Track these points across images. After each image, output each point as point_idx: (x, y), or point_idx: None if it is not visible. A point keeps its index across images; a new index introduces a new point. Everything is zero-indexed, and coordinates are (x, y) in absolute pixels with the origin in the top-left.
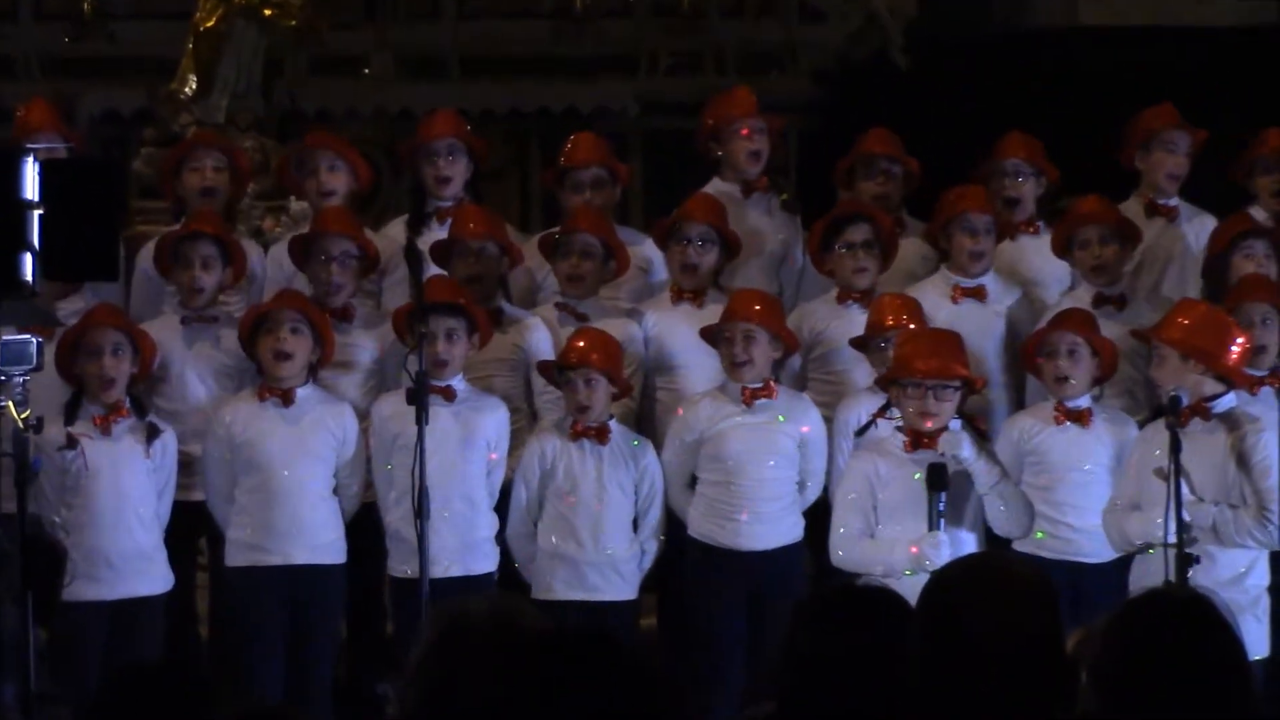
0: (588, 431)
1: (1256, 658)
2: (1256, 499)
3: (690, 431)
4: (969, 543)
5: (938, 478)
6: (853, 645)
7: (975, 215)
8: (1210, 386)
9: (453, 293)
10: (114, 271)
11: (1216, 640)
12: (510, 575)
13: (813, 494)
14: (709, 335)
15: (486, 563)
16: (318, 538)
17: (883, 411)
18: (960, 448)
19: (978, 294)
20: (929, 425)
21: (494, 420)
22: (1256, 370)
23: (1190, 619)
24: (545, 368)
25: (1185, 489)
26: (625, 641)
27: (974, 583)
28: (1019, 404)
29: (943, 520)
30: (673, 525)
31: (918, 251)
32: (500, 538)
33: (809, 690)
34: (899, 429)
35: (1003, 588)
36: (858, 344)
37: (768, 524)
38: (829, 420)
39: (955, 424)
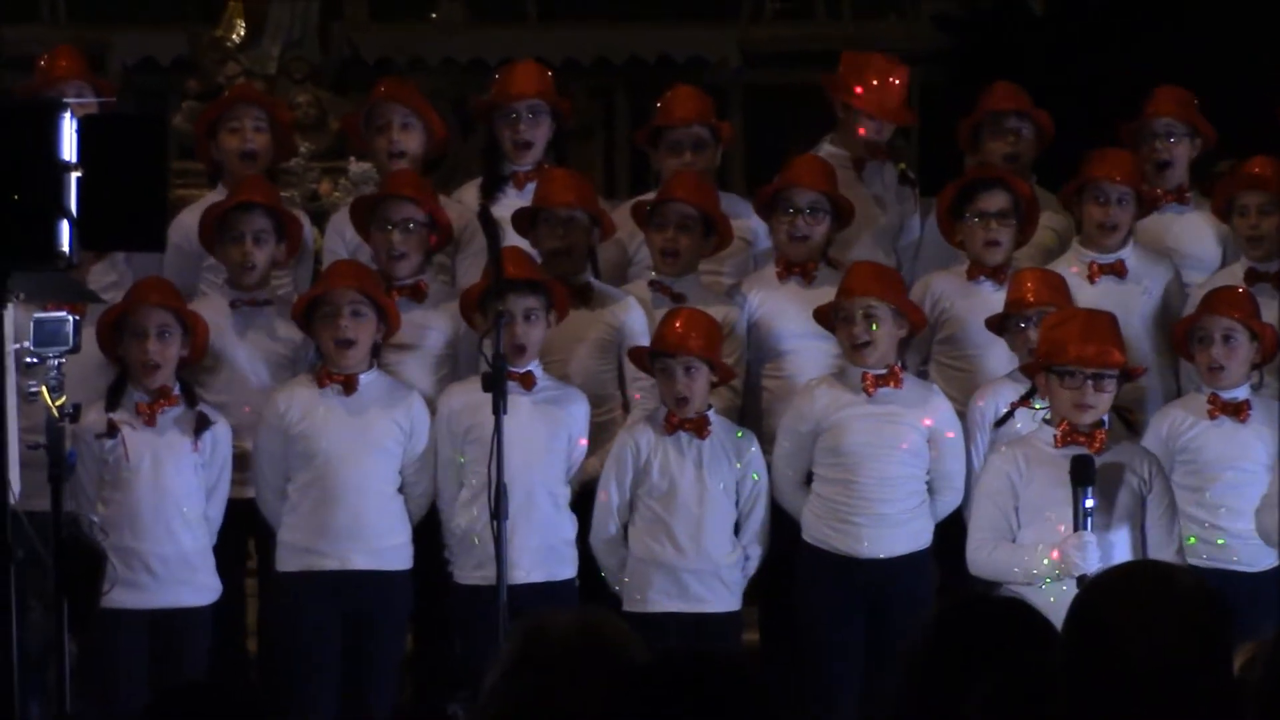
0: (685, 424)
1: None
2: None
3: (805, 422)
4: (1122, 547)
5: (1083, 471)
6: (988, 666)
7: (1107, 182)
8: None
9: (531, 268)
10: (161, 240)
11: None
12: (590, 585)
13: (950, 502)
14: (823, 316)
15: (568, 568)
16: (381, 541)
17: (1026, 400)
18: (1085, 559)
19: (1117, 270)
20: (1086, 418)
21: (578, 411)
22: None
23: None
24: (638, 354)
25: None
26: (731, 661)
27: (1130, 595)
28: (1174, 393)
29: (1090, 520)
30: (780, 528)
31: (1049, 224)
32: (581, 543)
33: (936, 717)
34: (1046, 421)
35: (1164, 602)
36: (994, 325)
37: (891, 528)
38: (961, 415)
39: (1106, 419)
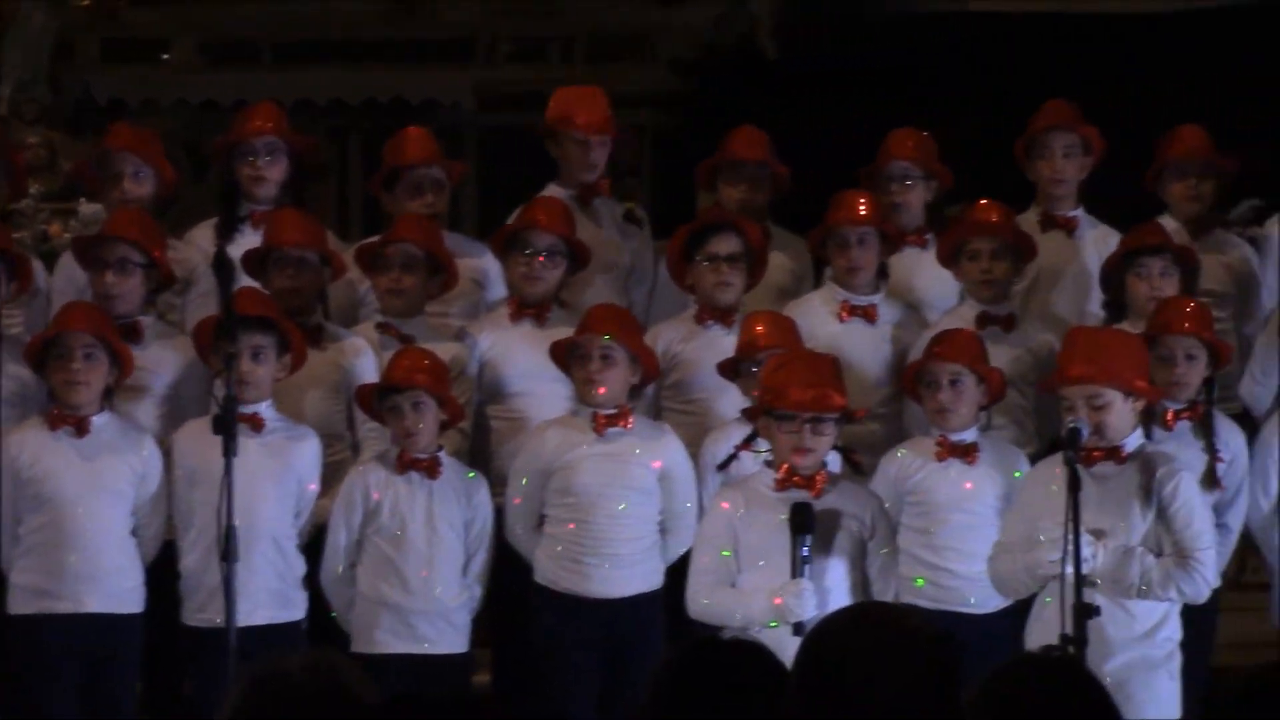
0: (417, 463)
1: None
2: (1178, 548)
3: (537, 462)
4: (840, 591)
5: (802, 519)
6: (722, 708)
7: (846, 227)
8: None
9: (262, 305)
10: None
11: (1089, 705)
12: (320, 625)
13: (682, 543)
14: (559, 353)
15: (296, 610)
16: (114, 583)
17: (747, 444)
18: (801, 607)
19: (868, 314)
20: (805, 461)
21: (307, 451)
22: (1173, 403)
23: (1062, 683)
24: (364, 393)
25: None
26: (461, 703)
27: (861, 638)
28: (905, 435)
29: (808, 567)
30: (513, 570)
31: (785, 265)
32: (310, 582)
33: None
34: (768, 464)
35: (894, 644)
36: (726, 369)
37: (622, 568)
38: (691, 458)
39: (833, 459)
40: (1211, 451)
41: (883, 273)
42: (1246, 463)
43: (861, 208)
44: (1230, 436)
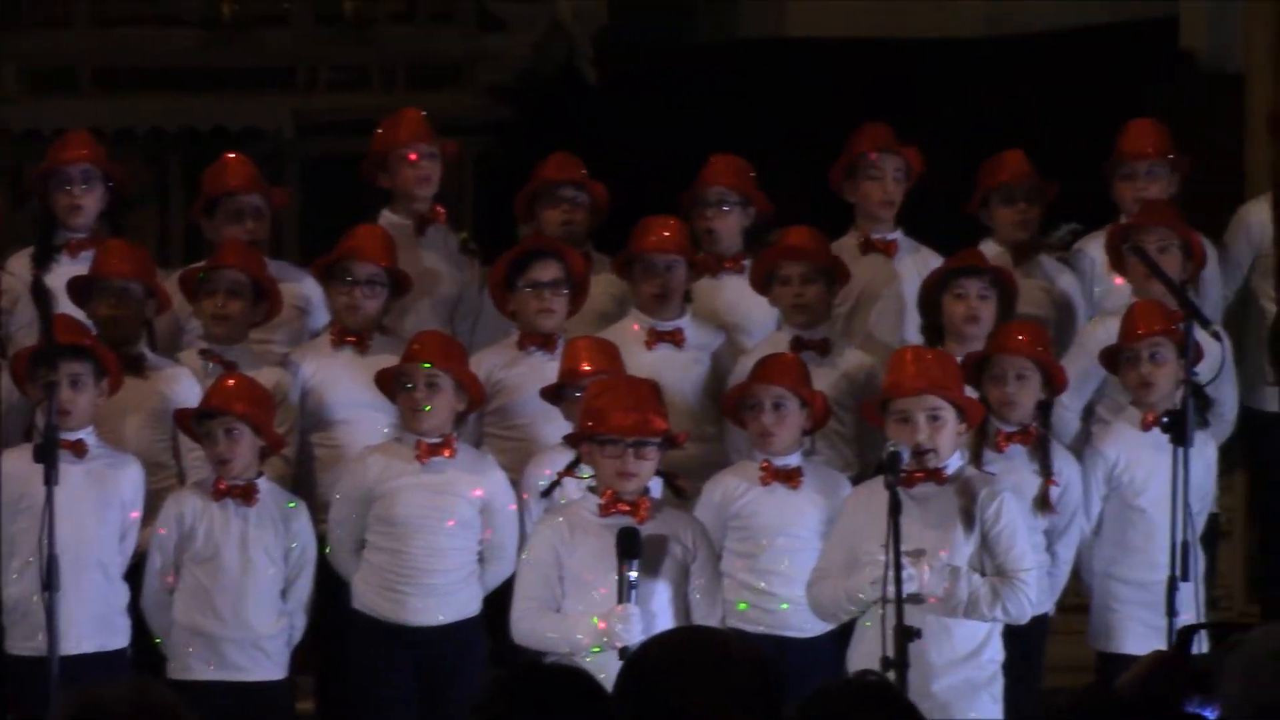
0: (233, 490)
1: None
2: (1001, 569)
3: (358, 489)
4: (665, 616)
5: (629, 544)
6: None
7: (655, 254)
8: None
9: (77, 333)
10: None
11: None
12: (144, 653)
13: (501, 572)
14: (384, 381)
15: (120, 637)
16: None
17: (570, 470)
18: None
19: (674, 338)
20: (629, 486)
21: (129, 478)
22: (1005, 424)
23: (875, 706)
24: (183, 417)
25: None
26: None
27: (682, 662)
28: (726, 459)
29: (634, 592)
30: (334, 596)
31: (608, 290)
32: (134, 609)
33: None
34: (591, 489)
35: (715, 669)
36: (549, 394)
37: (439, 596)
38: (515, 484)
39: (655, 485)
40: (1046, 474)
41: (687, 297)
42: (1080, 493)
43: (666, 234)
44: (1064, 464)
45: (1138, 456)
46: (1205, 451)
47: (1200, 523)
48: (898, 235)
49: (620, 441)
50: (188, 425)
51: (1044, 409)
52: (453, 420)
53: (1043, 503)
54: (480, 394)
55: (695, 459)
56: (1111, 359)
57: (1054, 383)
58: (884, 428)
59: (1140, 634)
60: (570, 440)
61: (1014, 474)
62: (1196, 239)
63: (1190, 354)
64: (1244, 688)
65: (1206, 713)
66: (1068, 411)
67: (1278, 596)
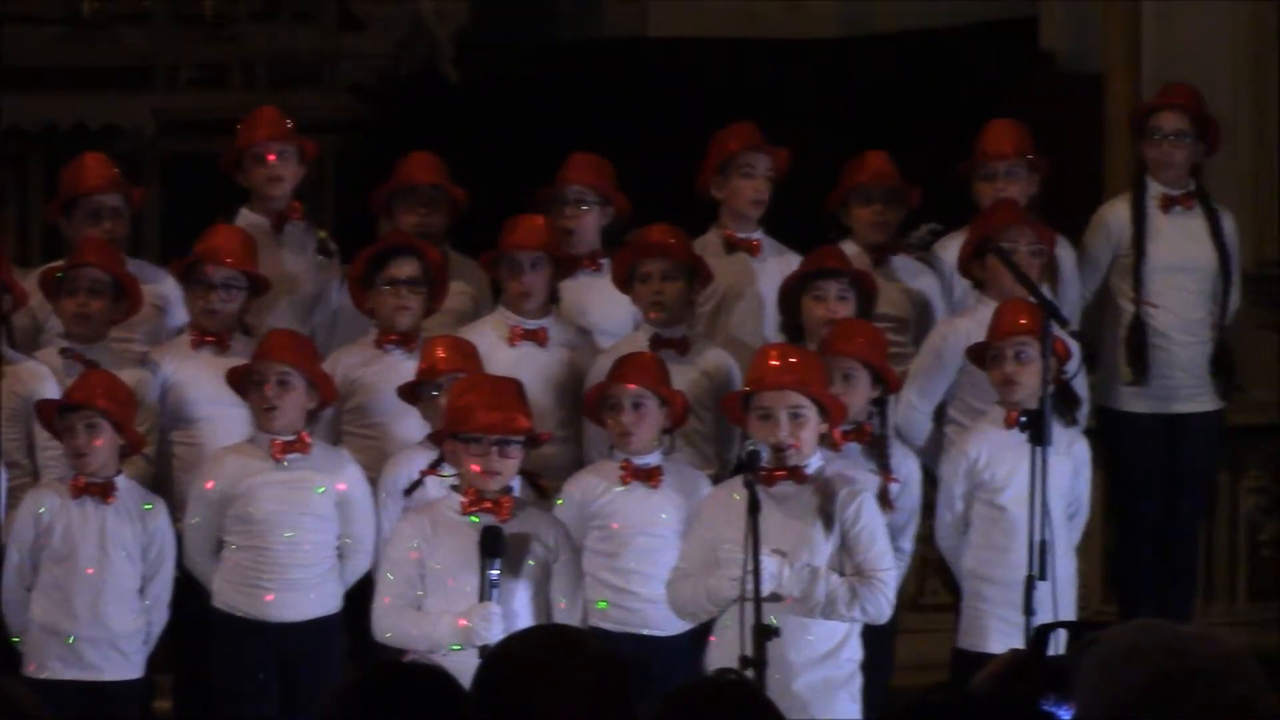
0: (91, 488)
1: None
2: (860, 569)
3: (213, 491)
4: (525, 614)
5: (492, 543)
6: None
7: (520, 251)
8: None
9: None
10: None
11: None
12: (4, 652)
13: (360, 567)
14: (236, 379)
15: None
16: None
17: (434, 468)
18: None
19: (538, 337)
20: (493, 484)
21: None
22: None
23: (733, 705)
24: (44, 409)
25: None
26: None
27: (536, 661)
28: (585, 458)
29: (496, 591)
30: (192, 595)
31: (464, 290)
32: None
33: None
34: (454, 488)
35: (570, 667)
36: (406, 393)
37: (299, 592)
38: (373, 481)
39: (517, 484)
40: (884, 472)
41: (553, 296)
42: (919, 490)
43: (533, 232)
44: (904, 462)
45: (1000, 455)
46: (1075, 450)
47: (1080, 524)
48: (760, 234)
49: (484, 440)
50: (49, 419)
51: (880, 407)
52: (304, 418)
53: (882, 499)
54: (332, 392)
55: (555, 458)
56: (979, 357)
57: (885, 382)
58: (745, 425)
59: (1002, 632)
60: (433, 438)
61: (851, 471)
62: (1048, 235)
63: (1048, 354)
64: (1097, 687)
65: (1061, 712)
66: (918, 413)
67: (1134, 595)
